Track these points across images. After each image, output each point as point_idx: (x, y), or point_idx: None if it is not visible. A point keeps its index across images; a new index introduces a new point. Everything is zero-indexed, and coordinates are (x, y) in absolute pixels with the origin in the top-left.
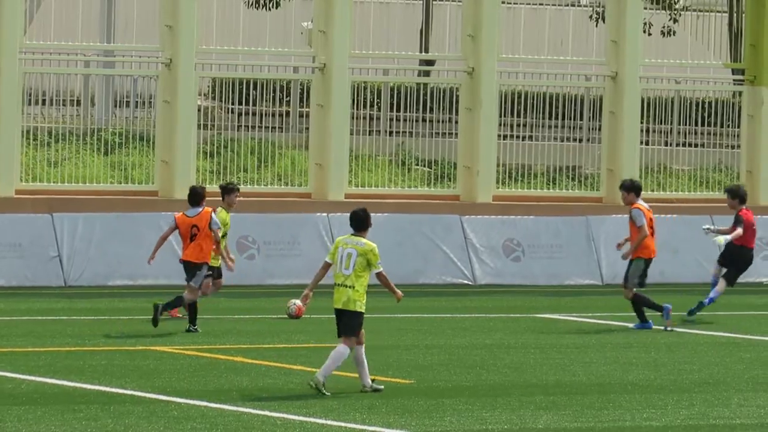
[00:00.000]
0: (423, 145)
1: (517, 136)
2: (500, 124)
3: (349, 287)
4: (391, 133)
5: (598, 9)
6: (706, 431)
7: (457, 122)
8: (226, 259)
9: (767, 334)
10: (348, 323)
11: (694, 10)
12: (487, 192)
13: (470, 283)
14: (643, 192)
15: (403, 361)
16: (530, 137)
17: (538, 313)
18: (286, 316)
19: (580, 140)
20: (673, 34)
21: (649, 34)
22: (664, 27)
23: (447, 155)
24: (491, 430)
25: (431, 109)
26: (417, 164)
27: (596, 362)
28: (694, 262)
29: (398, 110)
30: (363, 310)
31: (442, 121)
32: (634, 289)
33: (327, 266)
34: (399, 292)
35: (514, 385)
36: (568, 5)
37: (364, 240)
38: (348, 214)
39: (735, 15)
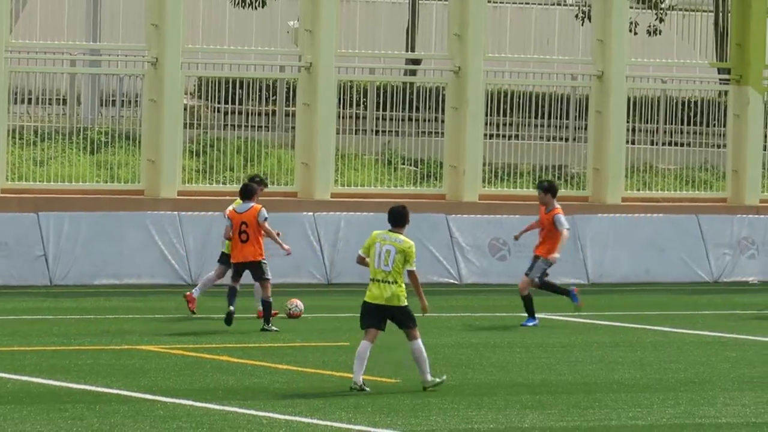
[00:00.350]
0: (409, 145)
1: (504, 136)
2: (486, 124)
3: (392, 283)
4: (377, 132)
5: (584, 8)
6: (692, 430)
7: (443, 121)
8: (281, 245)
9: (753, 333)
10: (403, 318)
11: (680, 10)
12: (473, 191)
13: (456, 282)
14: (629, 191)
15: (388, 361)
16: (516, 136)
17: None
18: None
19: (567, 139)
20: (659, 34)
21: (635, 34)
22: (650, 26)
23: (433, 154)
24: (477, 429)
25: (417, 109)
26: (403, 163)
27: (582, 361)
28: (679, 261)
29: (384, 109)
30: (407, 303)
31: (429, 121)
32: (535, 281)
33: (363, 258)
34: (426, 302)
35: (500, 384)
36: (554, 4)
37: (402, 237)
38: (335, 214)
39: (721, 14)
